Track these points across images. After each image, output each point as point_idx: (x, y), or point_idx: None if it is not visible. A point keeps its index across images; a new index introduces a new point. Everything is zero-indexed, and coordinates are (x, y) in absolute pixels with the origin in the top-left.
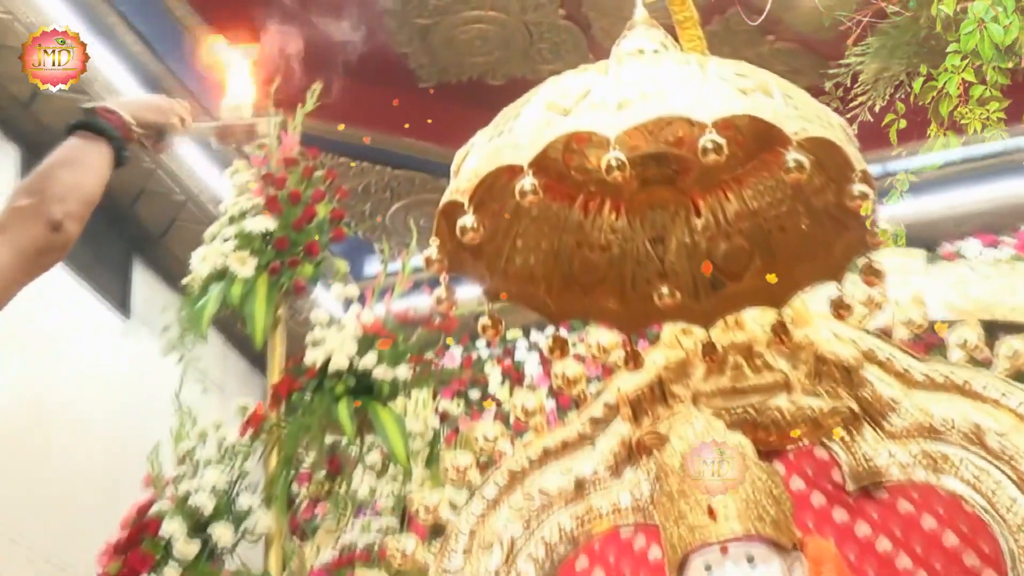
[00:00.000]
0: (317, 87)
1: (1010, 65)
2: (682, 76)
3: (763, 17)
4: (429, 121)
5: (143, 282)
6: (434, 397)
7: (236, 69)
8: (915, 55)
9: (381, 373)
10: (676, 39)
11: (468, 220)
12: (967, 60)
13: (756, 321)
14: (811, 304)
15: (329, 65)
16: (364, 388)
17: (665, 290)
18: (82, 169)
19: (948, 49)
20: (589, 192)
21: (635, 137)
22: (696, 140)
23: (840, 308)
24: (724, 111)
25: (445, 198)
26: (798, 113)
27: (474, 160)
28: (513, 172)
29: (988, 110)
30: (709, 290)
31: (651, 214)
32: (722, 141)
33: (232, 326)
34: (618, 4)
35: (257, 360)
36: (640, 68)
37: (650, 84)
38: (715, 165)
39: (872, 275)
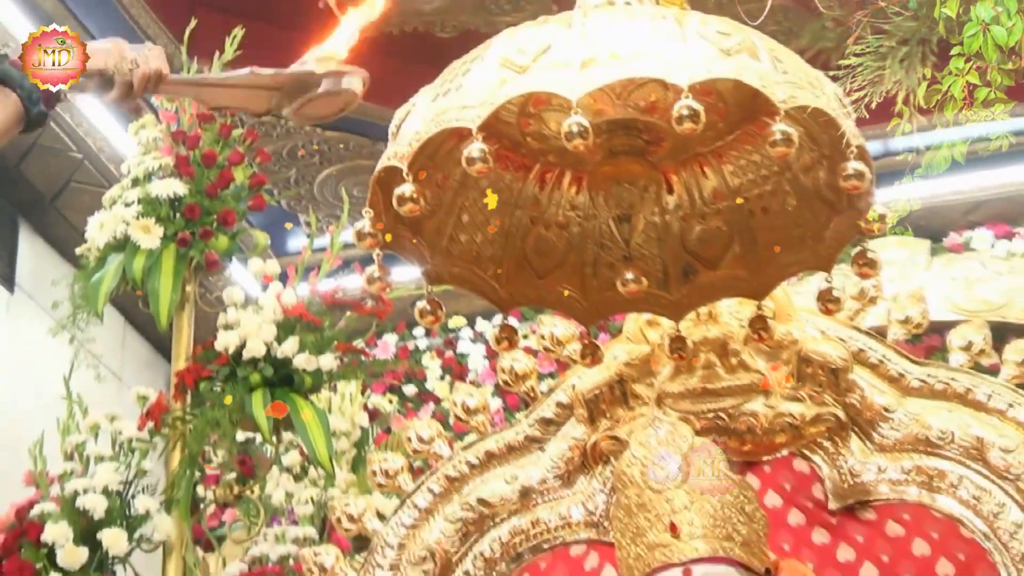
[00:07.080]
0: (238, 33)
1: (1012, 67)
2: (657, 32)
3: None
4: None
5: (30, 251)
6: (363, 392)
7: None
8: (915, 55)
9: (303, 362)
10: None
11: (407, 189)
12: (971, 63)
13: (732, 314)
14: (796, 297)
15: (252, 9)
16: (283, 379)
17: (630, 276)
18: None
19: (952, 52)
20: (547, 162)
21: (601, 101)
22: (670, 106)
23: (828, 302)
24: (703, 74)
25: (381, 164)
26: (788, 79)
27: (416, 121)
28: (460, 136)
29: (993, 112)
30: (680, 278)
31: (617, 189)
32: (699, 108)
33: (132, 304)
34: None
35: (160, 344)
36: (609, 22)
37: (619, 40)
38: (691, 135)
39: (866, 266)
